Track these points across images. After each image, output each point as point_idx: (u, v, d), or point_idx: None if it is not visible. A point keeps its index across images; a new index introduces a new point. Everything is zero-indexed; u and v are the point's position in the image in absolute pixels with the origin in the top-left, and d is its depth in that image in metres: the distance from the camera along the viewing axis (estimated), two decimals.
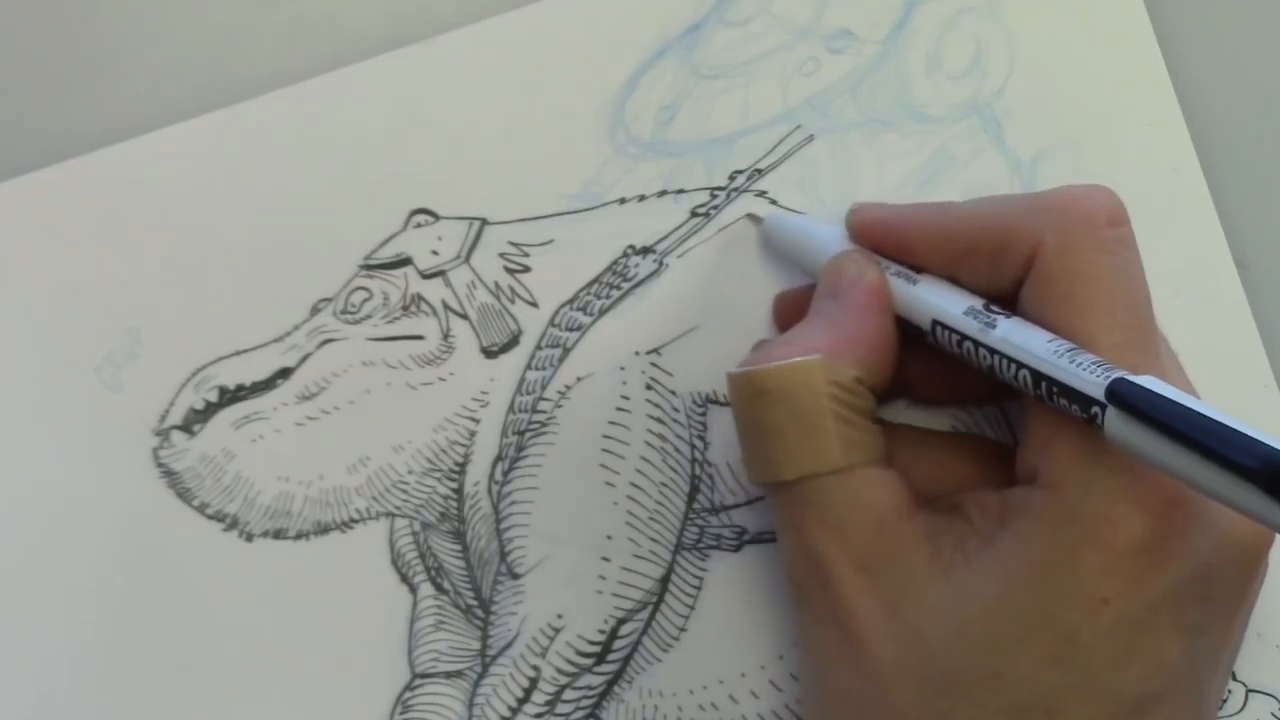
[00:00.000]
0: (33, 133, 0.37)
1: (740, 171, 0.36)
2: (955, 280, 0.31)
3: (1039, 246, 0.29)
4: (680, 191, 0.36)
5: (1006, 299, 0.30)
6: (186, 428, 0.35)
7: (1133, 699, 0.27)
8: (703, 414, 0.35)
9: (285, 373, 0.35)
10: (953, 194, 0.36)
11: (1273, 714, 0.35)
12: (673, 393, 0.35)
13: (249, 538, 0.35)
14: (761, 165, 0.36)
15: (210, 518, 0.35)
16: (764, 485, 0.31)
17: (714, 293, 0.36)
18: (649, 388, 0.35)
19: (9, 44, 0.37)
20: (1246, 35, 0.38)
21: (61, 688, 0.34)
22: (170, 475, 0.35)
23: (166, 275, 0.36)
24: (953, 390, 0.33)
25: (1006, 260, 0.29)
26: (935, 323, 0.30)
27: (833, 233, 0.33)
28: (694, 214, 0.36)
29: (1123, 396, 0.25)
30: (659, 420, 0.35)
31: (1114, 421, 0.25)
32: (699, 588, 0.35)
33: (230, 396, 0.35)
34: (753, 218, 0.36)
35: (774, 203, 0.36)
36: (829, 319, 0.31)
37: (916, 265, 0.31)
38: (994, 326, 0.29)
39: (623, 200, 0.36)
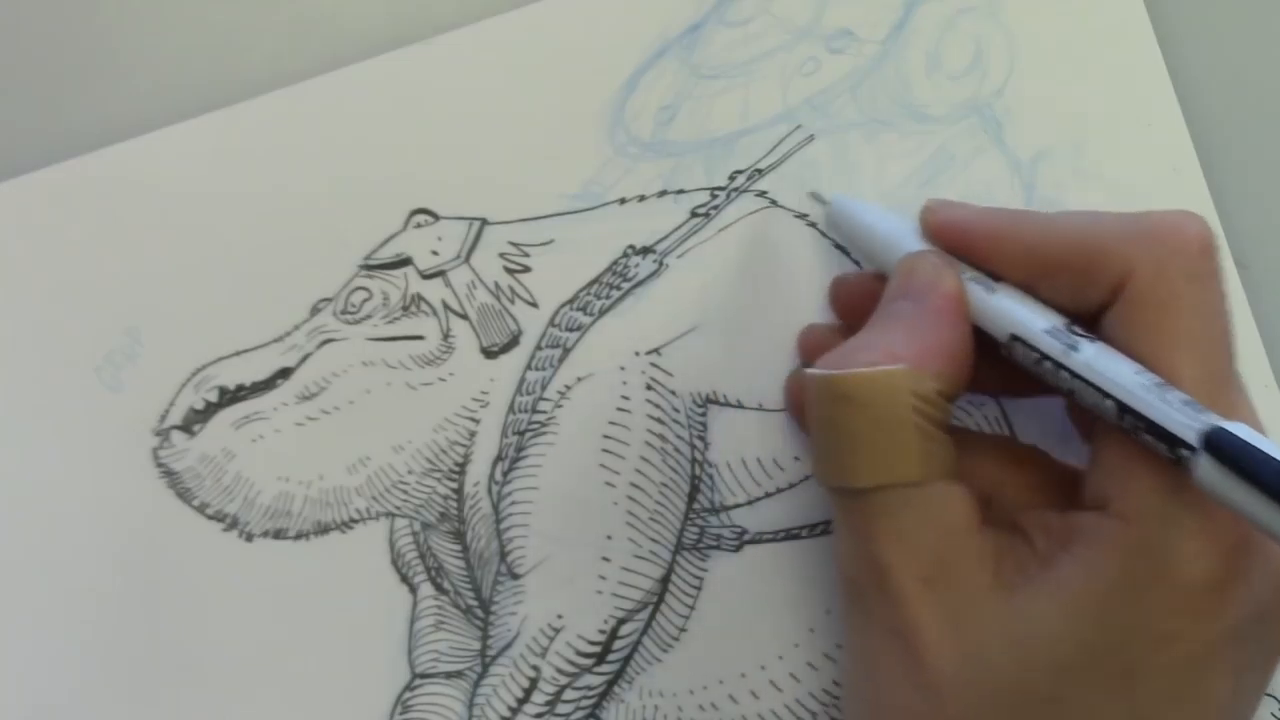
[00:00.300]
0: (33, 133, 0.37)
1: (740, 171, 0.36)
2: (1033, 294, 0.30)
3: (1132, 273, 0.28)
4: (680, 191, 0.36)
5: (1086, 320, 0.29)
6: (186, 428, 0.35)
7: None
8: (703, 414, 0.35)
9: (285, 373, 0.35)
10: (953, 194, 0.36)
11: (1273, 714, 0.35)
12: (673, 393, 0.35)
13: (249, 538, 0.35)
14: (761, 165, 0.36)
15: (210, 518, 0.35)
16: (831, 491, 0.30)
17: (714, 293, 0.35)
18: (649, 388, 0.35)
19: (9, 44, 0.37)
20: (1246, 35, 0.38)
21: (61, 687, 0.34)
22: (170, 475, 0.35)
23: (166, 275, 0.36)
24: (994, 380, 0.33)
25: (1095, 281, 0.29)
26: (1014, 337, 0.29)
27: (904, 227, 0.32)
28: (694, 214, 0.36)
29: (1221, 445, 0.25)
30: (659, 420, 0.35)
31: (1206, 469, 0.25)
32: (699, 588, 0.35)
33: (230, 396, 0.35)
34: (816, 197, 0.35)
35: (774, 203, 0.36)
36: (908, 325, 0.30)
37: (994, 273, 0.31)
38: (1077, 349, 0.28)
39: (623, 200, 0.36)
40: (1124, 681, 0.27)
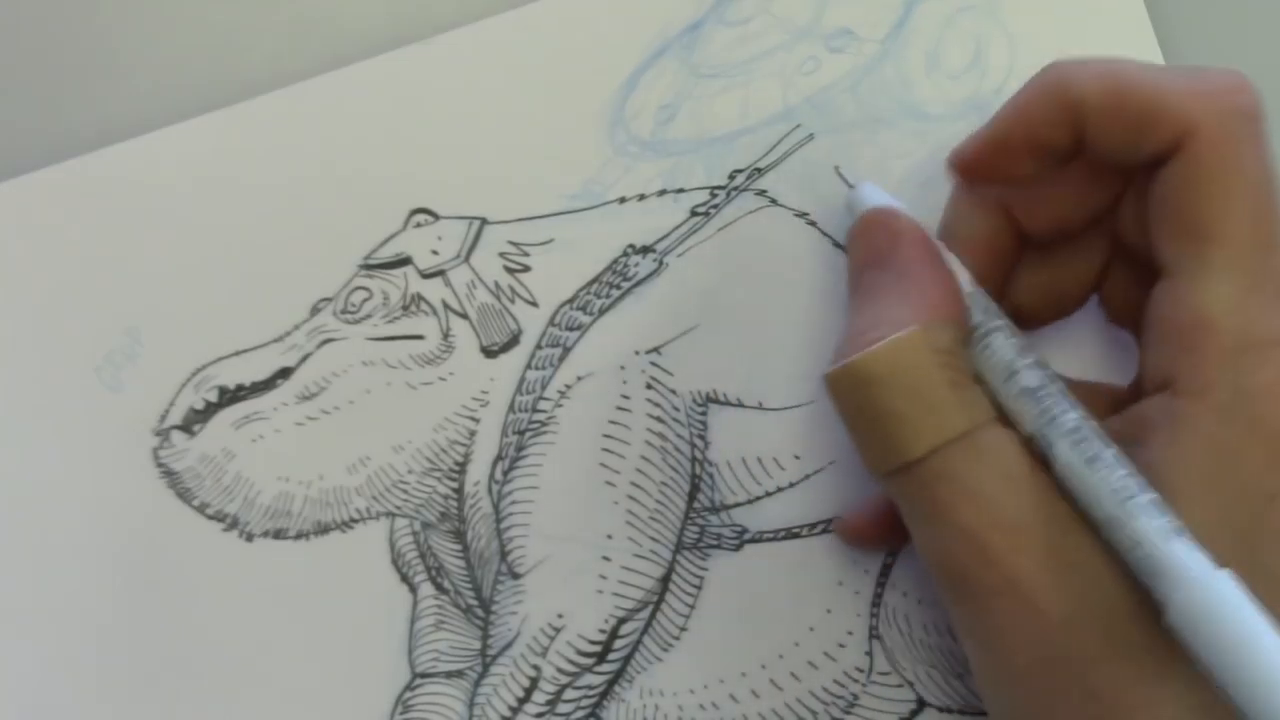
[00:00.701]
0: (33, 133, 0.37)
1: (740, 170, 0.36)
2: (1087, 144, 0.29)
3: (1195, 129, 0.28)
4: (680, 191, 0.36)
5: (1131, 168, 0.29)
6: (186, 428, 0.35)
7: None
8: (703, 413, 0.35)
9: (285, 373, 0.35)
10: None
11: None
12: (673, 392, 0.35)
13: (249, 538, 0.35)
14: (761, 164, 0.36)
15: (210, 518, 0.35)
16: (889, 478, 0.29)
17: (714, 293, 0.35)
18: (649, 387, 0.35)
19: (9, 44, 0.37)
20: (1246, 35, 0.38)
21: (61, 687, 0.34)
22: (170, 475, 0.35)
23: (166, 275, 0.36)
24: (1055, 305, 0.33)
25: (1152, 134, 0.28)
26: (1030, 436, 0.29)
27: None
28: (694, 213, 0.36)
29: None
30: (659, 420, 0.35)
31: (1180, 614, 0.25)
32: (699, 587, 0.35)
33: (230, 396, 0.35)
34: (841, 175, 0.35)
35: (774, 202, 0.36)
36: (893, 288, 0.30)
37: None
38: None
39: (623, 199, 0.36)
40: (1243, 549, 0.26)
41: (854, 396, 0.29)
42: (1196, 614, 0.25)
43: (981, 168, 0.31)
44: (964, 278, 0.31)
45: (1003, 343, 0.30)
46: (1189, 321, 0.28)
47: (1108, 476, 0.27)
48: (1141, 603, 0.27)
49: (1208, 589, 0.25)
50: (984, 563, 0.28)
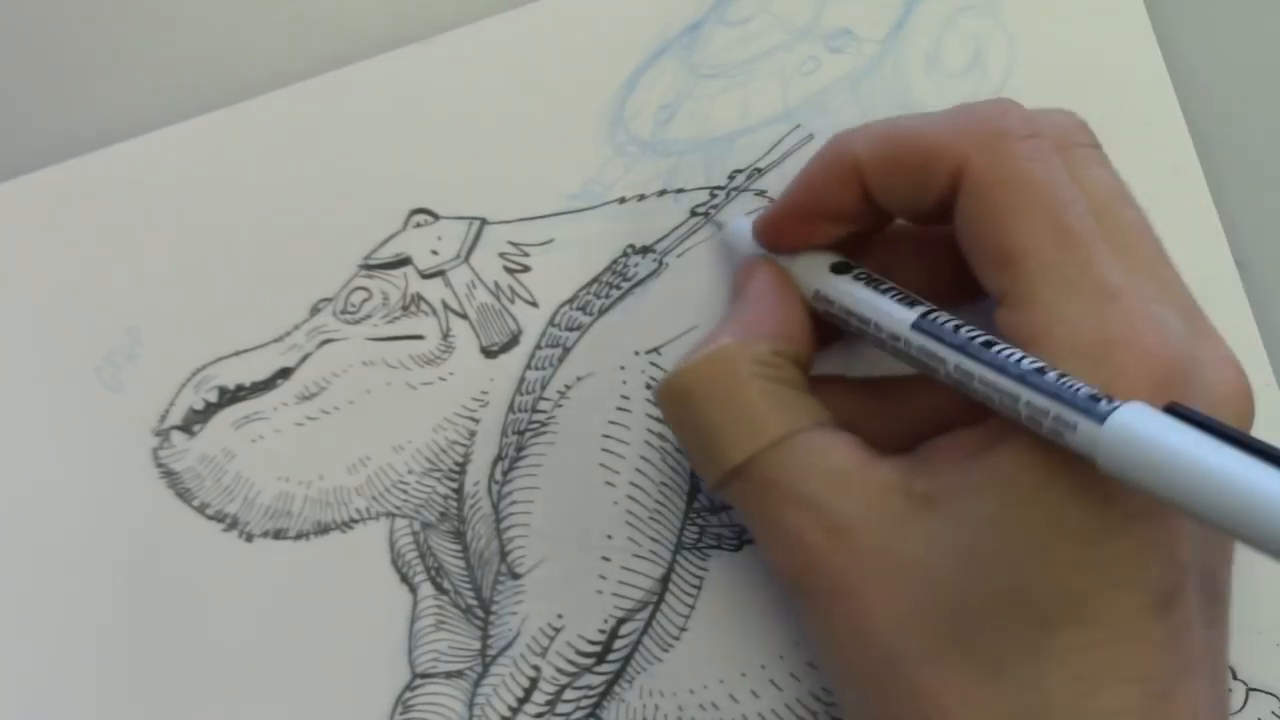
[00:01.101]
0: (33, 133, 0.37)
1: (740, 171, 0.36)
2: (874, 202, 0.30)
3: (966, 159, 0.28)
4: (680, 191, 0.36)
5: (926, 217, 0.30)
6: (186, 428, 0.35)
7: (1156, 593, 0.27)
8: None
9: (285, 373, 0.35)
10: None
11: (1273, 713, 0.35)
12: None
13: (249, 538, 0.35)
14: (761, 164, 0.36)
15: (210, 518, 0.35)
16: (721, 489, 0.30)
17: (714, 293, 0.35)
18: (649, 387, 0.35)
19: (9, 44, 0.37)
20: (1246, 35, 0.38)
21: (61, 687, 0.34)
22: (170, 475, 0.35)
23: (166, 275, 0.36)
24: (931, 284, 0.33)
25: (931, 176, 0.29)
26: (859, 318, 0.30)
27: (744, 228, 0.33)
28: (694, 213, 0.36)
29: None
30: (659, 419, 0.35)
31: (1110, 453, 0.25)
32: (699, 587, 0.35)
33: (230, 396, 0.35)
34: (716, 224, 0.36)
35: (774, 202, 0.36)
36: (733, 315, 0.32)
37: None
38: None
39: (623, 200, 0.36)
40: (1082, 551, 0.26)
41: (674, 410, 0.31)
42: (1120, 458, 0.24)
43: (784, 235, 0.32)
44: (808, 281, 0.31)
45: (868, 298, 0.30)
46: (1020, 344, 0.27)
47: (1003, 359, 0.27)
48: (973, 599, 0.27)
49: (1121, 428, 0.24)
50: (811, 566, 0.28)
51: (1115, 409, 0.25)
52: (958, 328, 0.28)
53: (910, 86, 0.36)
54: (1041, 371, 0.26)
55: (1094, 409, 0.25)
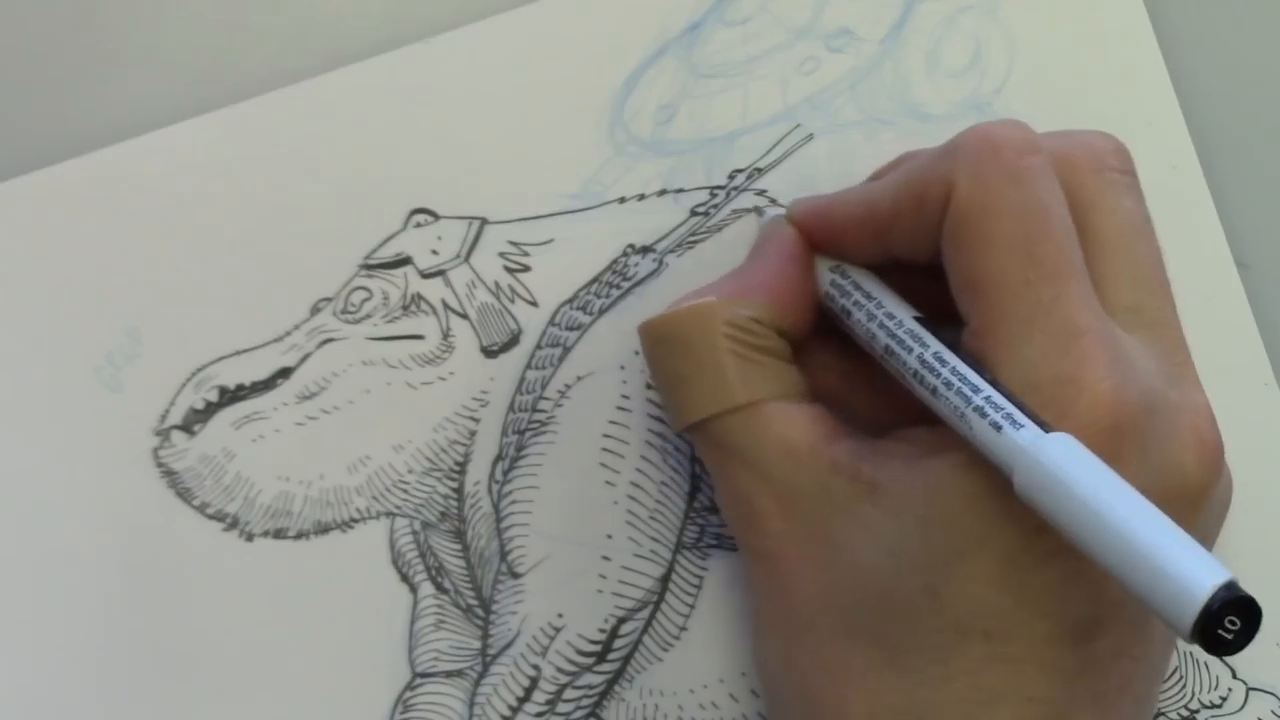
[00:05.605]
0: (33, 133, 0.37)
1: (740, 170, 0.36)
2: (889, 255, 0.30)
3: (952, 187, 0.28)
4: (680, 191, 0.36)
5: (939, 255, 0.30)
6: (186, 428, 0.35)
7: (1076, 623, 0.27)
8: None
9: (285, 372, 0.35)
10: None
11: (1273, 712, 0.35)
12: None
13: (249, 538, 0.35)
14: (761, 164, 0.36)
15: (210, 518, 0.35)
16: (684, 435, 0.31)
17: None
18: (649, 387, 0.35)
19: (9, 44, 0.37)
20: (1246, 35, 0.38)
21: (62, 687, 0.34)
22: (170, 475, 0.35)
23: (166, 275, 0.36)
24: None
25: (927, 213, 0.28)
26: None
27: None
28: (694, 213, 0.36)
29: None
30: (659, 419, 0.35)
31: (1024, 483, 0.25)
32: (699, 587, 0.35)
33: (230, 396, 0.35)
34: (758, 211, 0.36)
35: (774, 202, 0.36)
36: (733, 272, 0.32)
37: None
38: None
39: (623, 199, 0.36)
40: (1004, 570, 0.27)
41: (649, 350, 0.32)
42: (1032, 486, 0.25)
43: (834, 238, 0.32)
44: (825, 268, 0.32)
45: (857, 292, 0.31)
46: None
47: (961, 373, 0.27)
48: (891, 591, 0.27)
49: (1034, 460, 0.25)
50: (750, 525, 0.30)
51: (1042, 437, 0.25)
52: (934, 333, 0.29)
53: (910, 86, 0.36)
54: (978, 390, 0.27)
55: (1021, 432, 0.25)
